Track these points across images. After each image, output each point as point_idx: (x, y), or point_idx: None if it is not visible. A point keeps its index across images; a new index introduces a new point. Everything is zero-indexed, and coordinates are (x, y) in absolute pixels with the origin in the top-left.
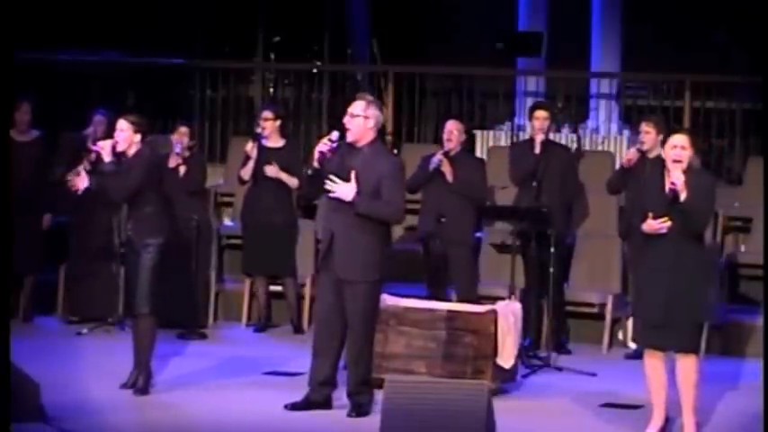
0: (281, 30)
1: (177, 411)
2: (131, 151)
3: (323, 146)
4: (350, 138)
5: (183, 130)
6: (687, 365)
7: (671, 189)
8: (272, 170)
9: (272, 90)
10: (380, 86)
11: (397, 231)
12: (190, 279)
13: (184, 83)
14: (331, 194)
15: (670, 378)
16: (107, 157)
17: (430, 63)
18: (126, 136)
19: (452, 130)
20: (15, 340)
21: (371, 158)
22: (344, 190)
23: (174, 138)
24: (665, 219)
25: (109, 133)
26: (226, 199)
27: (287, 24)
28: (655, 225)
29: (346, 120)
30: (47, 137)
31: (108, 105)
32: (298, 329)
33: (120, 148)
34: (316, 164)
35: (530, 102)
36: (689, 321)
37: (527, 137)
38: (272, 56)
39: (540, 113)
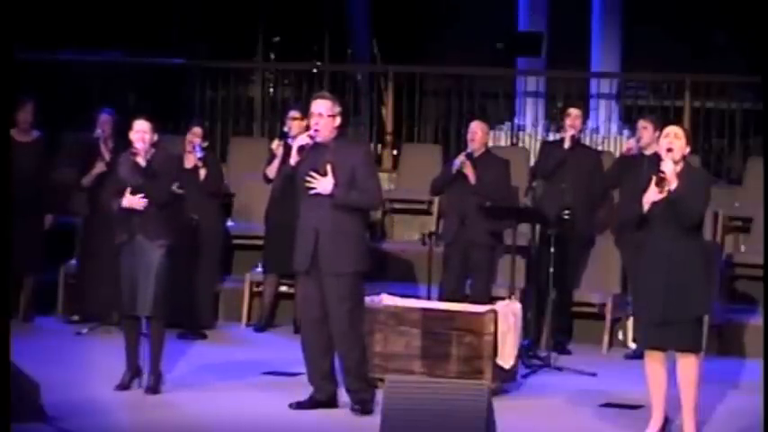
0: (281, 30)
1: (177, 411)
2: (149, 154)
3: (302, 141)
4: (320, 138)
5: (197, 130)
6: (687, 365)
7: (660, 177)
8: None
9: (271, 90)
10: (380, 86)
11: (399, 232)
12: (190, 279)
13: (184, 83)
14: (312, 191)
15: (670, 378)
16: (143, 162)
17: (430, 63)
18: (149, 137)
19: (476, 131)
20: (15, 340)
21: (341, 151)
22: (323, 184)
23: (190, 138)
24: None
25: (116, 132)
26: (226, 199)
27: (287, 24)
28: (650, 194)
29: (315, 121)
30: (47, 137)
31: (108, 105)
32: (299, 329)
33: (147, 149)
34: (293, 161)
35: (530, 102)
36: (688, 318)
37: (559, 136)
38: (272, 56)
39: (573, 111)
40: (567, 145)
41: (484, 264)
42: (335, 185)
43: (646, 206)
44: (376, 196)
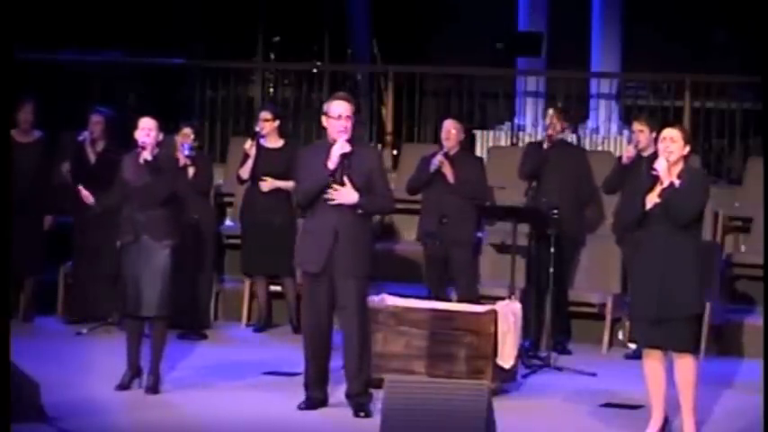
0: (281, 30)
1: (177, 411)
2: (155, 151)
3: (343, 148)
4: (348, 138)
5: (187, 130)
6: (685, 365)
7: (653, 176)
8: (266, 185)
9: (271, 90)
10: (380, 86)
11: (399, 232)
12: (190, 279)
13: (184, 83)
14: (332, 202)
15: (669, 377)
16: (149, 156)
17: (430, 63)
18: (155, 134)
19: (450, 130)
20: (15, 340)
21: (356, 153)
22: (345, 195)
23: (179, 139)
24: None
25: (109, 132)
26: (226, 199)
27: (287, 24)
28: (653, 194)
29: (342, 123)
30: (48, 137)
31: (108, 105)
32: (297, 329)
33: (153, 145)
34: (332, 165)
35: (530, 102)
36: (681, 316)
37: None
38: (272, 56)
39: (550, 111)
40: (545, 146)
41: (465, 263)
42: (360, 194)
43: (648, 204)
44: (392, 200)
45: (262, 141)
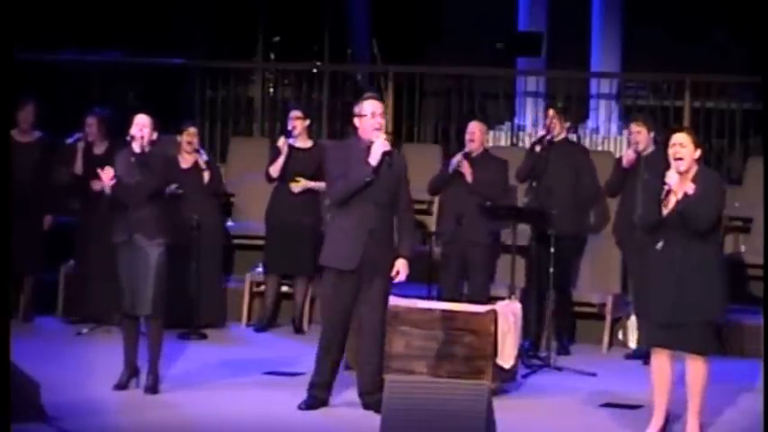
0: (281, 30)
1: (177, 411)
2: (146, 147)
3: (385, 146)
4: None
5: (193, 130)
6: (697, 368)
7: (666, 190)
8: (299, 186)
9: (271, 90)
10: (380, 86)
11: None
12: (191, 279)
13: (184, 83)
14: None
15: (675, 378)
16: (137, 149)
17: (430, 63)
18: (149, 131)
19: (475, 131)
20: (15, 340)
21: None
22: (405, 268)
23: (185, 138)
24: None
25: (107, 132)
26: (224, 198)
27: (287, 24)
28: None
29: (378, 121)
30: (48, 137)
31: (108, 105)
32: (299, 329)
33: (144, 139)
34: (374, 161)
35: (530, 102)
36: (700, 321)
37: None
38: (272, 56)
39: (550, 112)
40: (537, 149)
41: (481, 263)
42: (405, 256)
43: (665, 211)
44: (414, 212)
45: (291, 141)
